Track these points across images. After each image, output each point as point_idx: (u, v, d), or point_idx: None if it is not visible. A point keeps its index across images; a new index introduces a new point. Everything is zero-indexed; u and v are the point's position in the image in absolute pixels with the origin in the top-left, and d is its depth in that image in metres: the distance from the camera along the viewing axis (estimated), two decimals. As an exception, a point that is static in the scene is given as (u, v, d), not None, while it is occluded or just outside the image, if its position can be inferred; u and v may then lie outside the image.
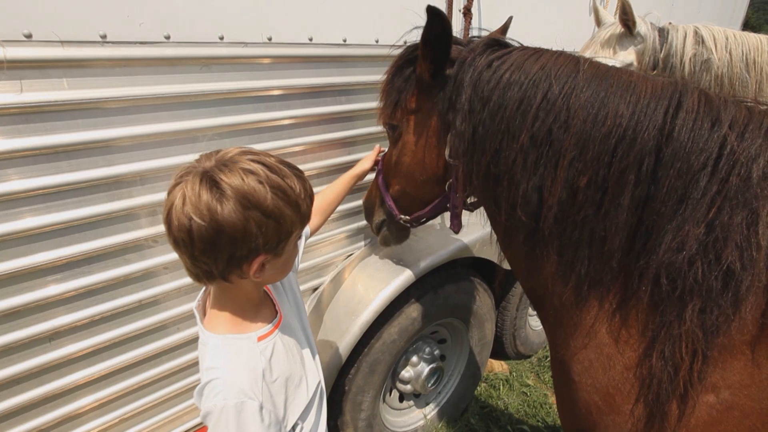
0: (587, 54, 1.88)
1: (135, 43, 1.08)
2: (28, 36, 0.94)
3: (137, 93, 1.11)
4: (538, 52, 0.92)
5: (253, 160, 0.72)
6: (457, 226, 1.24)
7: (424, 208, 1.26)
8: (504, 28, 1.35)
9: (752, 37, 1.77)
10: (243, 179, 0.69)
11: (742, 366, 0.74)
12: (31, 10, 0.94)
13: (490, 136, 0.89)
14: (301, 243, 1.15)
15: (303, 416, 0.89)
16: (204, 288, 0.92)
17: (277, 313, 0.92)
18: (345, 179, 1.45)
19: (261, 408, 0.75)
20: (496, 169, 0.90)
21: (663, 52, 1.81)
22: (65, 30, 0.98)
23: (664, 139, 0.76)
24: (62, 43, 0.98)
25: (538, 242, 0.90)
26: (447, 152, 1.03)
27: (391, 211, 1.33)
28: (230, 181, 0.68)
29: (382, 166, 1.36)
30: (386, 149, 1.39)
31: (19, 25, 0.93)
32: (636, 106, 0.78)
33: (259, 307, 0.88)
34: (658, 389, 0.78)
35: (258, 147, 1.36)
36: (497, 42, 0.99)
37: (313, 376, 0.95)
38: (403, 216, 1.32)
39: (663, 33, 1.83)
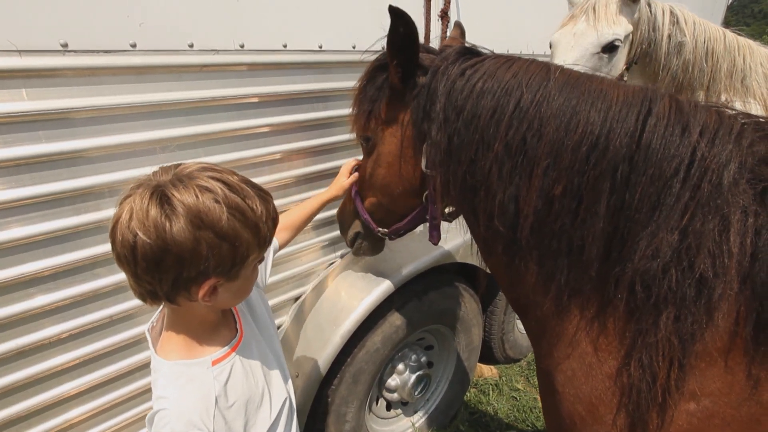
0: (580, 19, 1.74)
1: (99, 51, 1.05)
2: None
3: (102, 103, 1.08)
4: (510, 60, 0.91)
5: (212, 177, 0.69)
6: (436, 237, 1.21)
7: (401, 221, 1.23)
8: (461, 32, 1.33)
9: (713, 27, 1.77)
10: (197, 197, 0.65)
11: (720, 373, 0.74)
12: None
13: (465, 146, 0.89)
14: (269, 257, 1.12)
15: None
16: (159, 309, 0.88)
17: (237, 332, 0.88)
18: (315, 202, 1.38)
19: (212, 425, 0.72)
20: (472, 179, 0.89)
21: (652, 25, 1.76)
22: (23, 39, 0.95)
23: (635, 146, 0.76)
24: (20, 52, 0.95)
25: (517, 252, 0.89)
26: (423, 163, 1.01)
27: (368, 225, 1.29)
28: (183, 197, 0.65)
29: (356, 178, 1.32)
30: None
31: (-25, 35, 0.90)
32: (607, 113, 0.78)
33: (216, 329, 0.84)
34: (638, 398, 0.77)
35: (232, 156, 1.35)
36: (470, 50, 0.99)
37: (279, 394, 0.92)
38: (381, 229, 1.29)
39: (648, 5, 1.79)
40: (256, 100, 1.37)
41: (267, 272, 1.12)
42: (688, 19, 1.74)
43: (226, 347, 0.83)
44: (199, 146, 1.29)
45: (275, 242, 1.17)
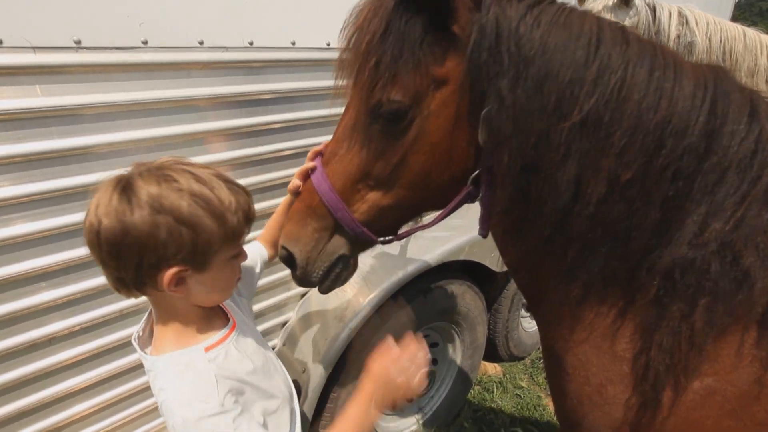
0: None
1: (111, 48, 1.06)
2: (-1, 42, 0.92)
3: (113, 99, 1.09)
4: (574, 9, 0.76)
5: (181, 170, 0.71)
6: (487, 228, 0.93)
7: (416, 220, 0.98)
8: None
9: (731, 26, 1.76)
10: (159, 184, 0.68)
11: (730, 355, 0.75)
12: (2, 15, 0.92)
13: (537, 113, 0.72)
14: (257, 266, 1.10)
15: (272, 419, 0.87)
16: (145, 317, 0.89)
17: (229, 321, 0.89)
18: (284, 206, 1.16)
19: (222, 406, 0.74)
20: (536, 155, 0.74)
21: (655, 27, 1.76)
22: (38, 36, 0.97)
23: (709, 132, 0.70)
24: (34, 49, 0.96)
25: (559, 239, 0.79)
26: (482, 135, 0.78)
27: (362, 238, 0.92)
28: (145, 185, 0.67)
29: (327, 177, 0.89)
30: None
31: (-12, 32, 0.91)
32: (686, 91, 0.70)
33: (208, 321, 0.85)
34: (655, 379, 0.77)
35: (240, 152, 1.36)
36: None
37: (284, 379, 0.94)
38: (383, 238, 0.95)
39: (652, 9, 1.78)
40: (264, 96, 1.37)
41: (255, 281, 1.10)
42: (699, 19, 1.73)
43: (219, 333, 0.84)
44: (208, 142, 1.30)
45: (264, 254, 1.13)
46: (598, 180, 0.72)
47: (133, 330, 1.25)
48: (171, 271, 0.71)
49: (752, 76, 1.79)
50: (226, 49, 1.26)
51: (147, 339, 0.85)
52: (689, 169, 0.71)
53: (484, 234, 0.94)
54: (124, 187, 0.68)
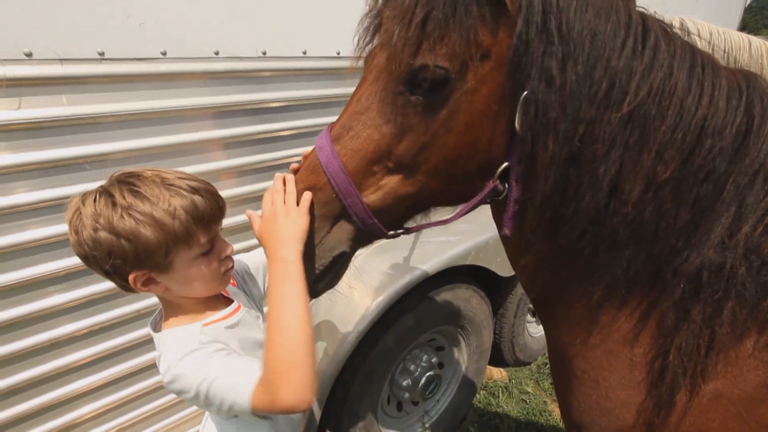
0: None
1: (132, 59, 1.11)
2: (29, 54, 0.97)
3: (134, 108, 1.13)
4: None
5: (120, 181, 0.81)
6: (512, 228, 0.84)
7: (431, 215, 0.90)
8: None
9: (735, 35, 1.76)
10: (95, 203, 0.78)
11: (741, 358, 0.75)
12: (32, 29, 0.97)
13: (587, 99, 0.68)
14: (259, 272, 1.16)
15: None
16: (160, 308, 0.98)
17: (233, 307, 0.97)
18: None
19: (200, 343, 0.84)
20: (581, 144, 0.69)
21: None
22: (64, 48, 1.02)
23: (744, 134, 0.70)
24: (61, 60, 1.01)
25: (590, 238, 0.76)
26: (518, 122, 0.71)
27: (369, 230, 0.82)
28: (87, 206, 0.78)
29: (338, 155, 0.78)
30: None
31: (20, 44, 0.96)
32: (724, 91, 0.70)
33: (207, 307, 0.94)
34: (672, 382, 0.77)
35: (253, 158, 1.40)
36: None
37: None
38: (393, 231, 0.86)
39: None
40: (276, 104, 1.42)
41: (260, 284, 1.15)
42: (702, 29, 1.73)
43: (217, 314, 0.94)
44: (223, 149, 1.34)
45: (264, 259, 1.15)
46: (637, 177, 0.69)
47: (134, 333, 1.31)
48: (133, 276, 0.81)
49: None
50: (240, 59, 1.30)
51: (159, 324, 0.95)
52: (721, 170, 0.69)
53: (508, 233, 0.85)
54: (77, 208, 0.80)
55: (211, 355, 0.83)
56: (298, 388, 0.74)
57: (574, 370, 0.91)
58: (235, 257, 1.16)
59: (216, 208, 0.87)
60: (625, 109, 0.67)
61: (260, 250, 1.22)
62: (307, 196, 0.79)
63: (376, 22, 0.74)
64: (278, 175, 0.84)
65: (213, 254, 0.89)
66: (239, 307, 0.97)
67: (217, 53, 1.25)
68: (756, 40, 1.83)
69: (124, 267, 0.80)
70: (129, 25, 1.09)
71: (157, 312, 0.97)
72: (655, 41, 0.70)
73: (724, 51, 1.75)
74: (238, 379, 0.79)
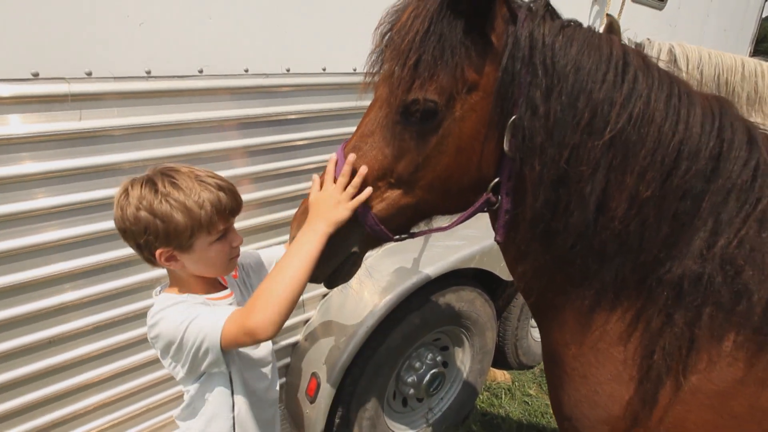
0: None
1: (174, 77, 1.26)
2: (89, 74, 1.13)
3: (175, 119, 1.28)
4: (601, 33, 0.83)
5: (162, 174, 0.97)
6: (504, 235, 0.95)
7: (431, 223, 1.02)
8: None
9: (728, 58, 1.84)
10: (142, 189, 0.95)
11: (717, 357, 0.82)
12: (92, 52, 1.12)
13: (571, 126, 0.77)
14: (271, 266, 1.26)
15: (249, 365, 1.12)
16: (162, 284, 1.14)
17: (226, 292, 1.11)
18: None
19: (185, 297, 1.02)
20: (567, 167, 0.78)
21: None
22: (118, 67, 1.17)
23: (718, 156, 0.77)
24: (115, 78, 1.17)
25: (581, 249, 0.84)
26: (507, 144, 0.82)
27: (378, 235, 0.94)
28: (134, 190, 0.95)
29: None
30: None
31: (83, 65, 1.12)
32: (698, 118, 0.77)
33: (208, 288, 1.08)
34: (657, 379, 0.84)
35: (274, 165, 1.54)
36: (551, 7, 0.84)
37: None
38: (399, 235, 0.98)
39: (640, 46, 1.91)
40: (298, 116, 1.56)
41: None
42: (691, 55, 1.81)
43: (211, 295, 1.08)
44: (249, 156, 1.48)
45: (277, 256, 1.30)
46: (622, 196, 0.78)
47: (136, 331, 1.41)
48: (160, 251, 0.97)
49: (753, 104, 1.86)
50: (266, 75, 1.45)
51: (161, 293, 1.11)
52: (698, 189, 0.77)
53: (500, 240, 0.97)
54: (125, 189, 0.97)
55: (196, 306, 0.99)
56: (268, 317, 0.89)
57: (566, 368, 0.99)
58: (251, 250, 1.32)
59: (235, 204, 1.04)
60: (607, 136, 0.76)
61: (276, 247, 1.38)
62: (366, 193, 0.90)
63: (381, 58, 0.88)
64: (350, 158, 0.90)
65: (225, 242, 1.04)
66: (231, 294, 1.12)
67: (246, 71, 1.40)
68: (750, 63, 1.92)
69: (154, 243, 0.96)
70: (171, 48, 1.24)
71: (159, 288, 1.11)
72: (634, 74, 0.78)
73: (715, 73, 1.84)
74: (215, 318, 0.95)
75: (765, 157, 0.79)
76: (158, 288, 1.12)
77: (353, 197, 0.90)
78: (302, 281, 0.91)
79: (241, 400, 1.09)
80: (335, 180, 0.92)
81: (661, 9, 3.13)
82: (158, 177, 0.97)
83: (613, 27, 1.86)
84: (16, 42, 1.02)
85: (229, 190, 1.02)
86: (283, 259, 0.93)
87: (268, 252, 1.34)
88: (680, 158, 0.77)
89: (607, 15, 2.08)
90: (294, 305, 0.92)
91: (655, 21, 3.13)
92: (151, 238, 0.95)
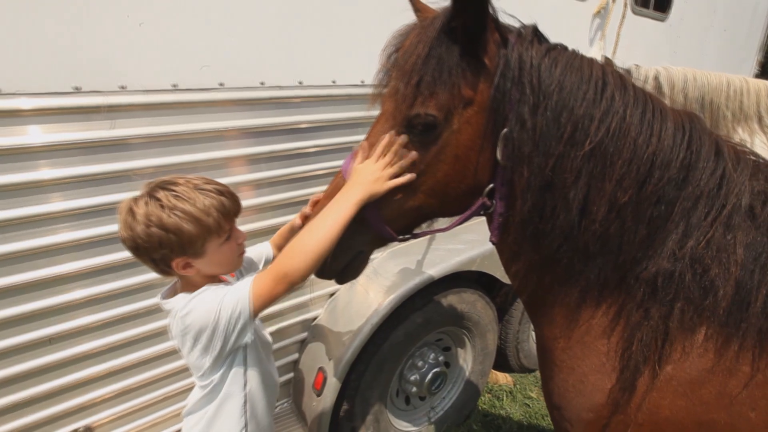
0: None
1: (197, 89, 1.38)
2: (123, 87, 1.25)
3: (198, 128, 1.40)
4: (584, 56, 0.93)
5: (162, 188, 0.99)
6: (498, 236, 1.04)
7: (432, 225, 1.12)
8: None
9: (714, 79, 1.90)
10: (147, 205, 0.97)
11: (689, 348, 0.90)
12: (125, 67, 1.25)
13: (555, 138, 0.87)
14: (261, 263, 1.35)
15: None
16: (169, 285, 1.15)
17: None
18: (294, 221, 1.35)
19: (208, 287, 1.03)
20: (552, 174, 0.88)
21: None
22: (148, 81, 1.29)
23: (687, 166, 0.87)
24: (146, 91, 1.29)
25: (566, 250, 0.93)
26: (500, 153, 0.92)
27: (384, 236, 1.05)
28: (139, 208, 0.97)
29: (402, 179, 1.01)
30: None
31: (117, 80, 1.24)
32: (672, 131, 0.87)
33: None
34: (635, 369, 0.92)
35: (286, 171, 1.65)
36: (539, 32, 0.95)
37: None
38: (402, 236, 1.08)
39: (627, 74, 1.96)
40: (309, 125, 1.67)
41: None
42: (677, 79, 1.86)
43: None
44: (265, 162, 1.60)
45: (269, 254, 1.38)
46: (602, 201, 0.87)
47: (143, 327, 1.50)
48: (176, 261, 1.01)
49: (739, 121, 1.91)
50: (281, 87, 1.56)
51: (169, 296, 1.12)
52: (670, 195, 0.87)
53: (495, 240, 1.05)
54: (129, 208, 0.98)
55: (220, 287, 1.04)
56: (302, 261, 0.95)
57: (556, 360, 1.07)
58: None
59: (237, 205, 1.09)
60: (587, 147, 0.85)
61: (265, 246, 1.41)
62: (407, 177, 0.96)
63: (387, 76, 0.99)
64: (401, 139, 0.95)
65: (232, 240, 1.09)
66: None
67: (262, 83, 1.51)
68: (735, 81, 1.98)
69: (170, 255, 1.00)
70: (196, 63, 1.36)
71: (168, 286, 1.15)
72: (612, 93, 0.88)
73: (700, 95, 1.90)
74: (241, 285, 1.00)
75: (730, 167, 0.88)
76: (164, 292, 1.13)
77: (392, 178, 0.96)
78: (333, 238, 0.95)
79: (252, 376, 1.14)
80: (380, 158, 0.97)
81: (663, 21, 3.20)
82: (159, 192, 0.99)
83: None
84: (61, 61, 1.15)
85: (228, 192, 1.07)
86: (317, 218, 0.97)
87: (256, 249, 1.39)
88: (653, 167, 0.86)
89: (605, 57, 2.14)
90: (322, 260, 0.96)
91: (656, 33, 3.20)
92: (167, 251, 0.99)
